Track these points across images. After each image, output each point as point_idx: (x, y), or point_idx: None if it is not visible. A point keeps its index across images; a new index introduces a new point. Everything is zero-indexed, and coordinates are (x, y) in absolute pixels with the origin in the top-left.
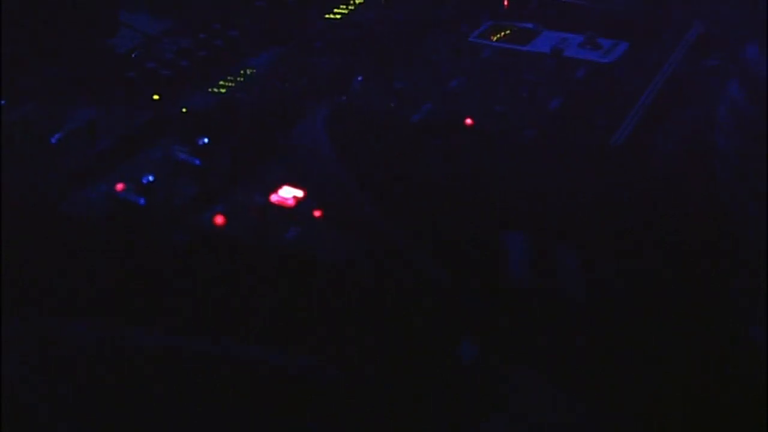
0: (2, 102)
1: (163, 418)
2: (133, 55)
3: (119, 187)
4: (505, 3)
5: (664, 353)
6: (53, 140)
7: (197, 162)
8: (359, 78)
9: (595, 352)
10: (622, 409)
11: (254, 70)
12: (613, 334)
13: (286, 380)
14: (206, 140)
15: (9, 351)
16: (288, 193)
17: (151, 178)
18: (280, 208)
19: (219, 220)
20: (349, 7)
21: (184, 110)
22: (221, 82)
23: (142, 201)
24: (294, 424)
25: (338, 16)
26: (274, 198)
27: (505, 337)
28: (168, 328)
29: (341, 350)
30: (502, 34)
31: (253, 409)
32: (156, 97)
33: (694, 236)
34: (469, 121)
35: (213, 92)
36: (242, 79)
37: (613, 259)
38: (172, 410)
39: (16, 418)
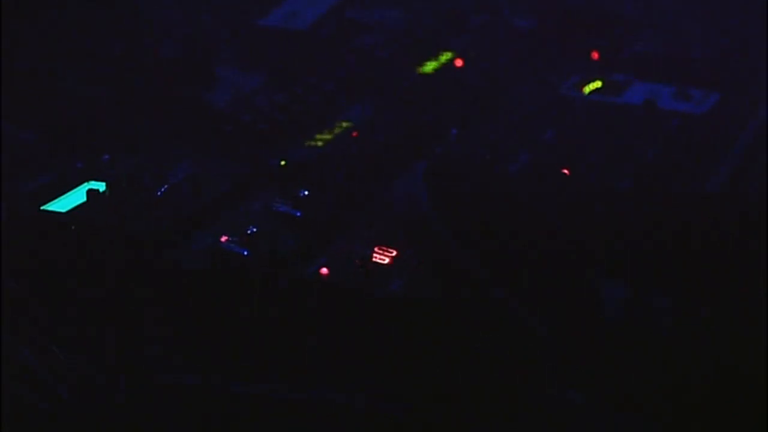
0: (106, 157)
1: None
2: (159, 192)
3: (224, 239)
4: (595, 55)
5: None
6: (159, 193)
7: (298, 214)
8: (454, 131)
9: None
10: None
11: (351, 124)
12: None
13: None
14: (306, 192)
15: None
16: (382, 254)
17: (254, 230)
18: (384, 262)
19: (324, 271)
20: (440, 61)
21: (283, 163)
22: (318, 136)
23: (245, 252)
24: None
25: (429, 70)
26: (377, 252)
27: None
28: (271, 376)
29: (440, 397)
30: (593, 86)
31: None
32: (283, 163)
33: None
34: (566, 171)
35: (310, 145)
36: (339, 132)
37: (710, 306)
38: None
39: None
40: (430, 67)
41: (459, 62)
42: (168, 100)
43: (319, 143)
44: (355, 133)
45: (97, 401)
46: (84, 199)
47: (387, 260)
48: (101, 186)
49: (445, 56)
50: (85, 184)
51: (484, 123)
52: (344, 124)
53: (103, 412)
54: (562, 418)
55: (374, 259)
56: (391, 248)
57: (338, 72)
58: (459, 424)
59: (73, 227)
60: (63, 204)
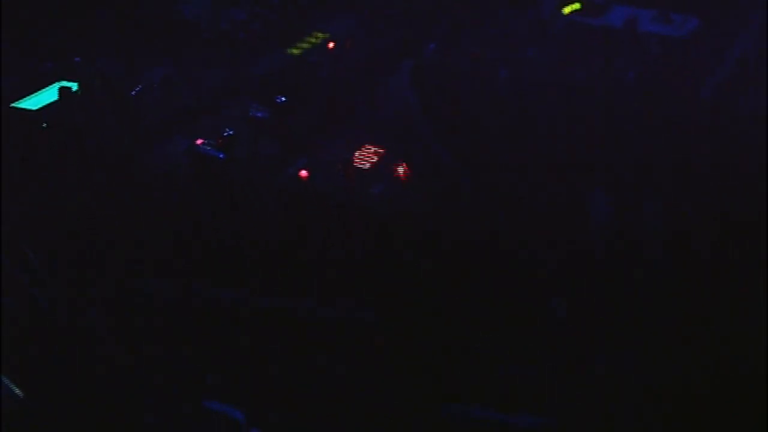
0: (77, 59)
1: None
2: (133, 92)
3: (199, 141)
4: None
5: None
6: (132, 93)
7: (274, 120)
8: (432, 46)
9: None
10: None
11: (328, 35)
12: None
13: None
14: (283, 99)
15: (87, 301)
16: (371, 152)
17: (230, 133)
18: (363, 167)
19: (303, 174)
20: None
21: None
22: (296, 44)
23: (221, 155)
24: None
25: None
26: (357, 156)
27: (590, 293)
28: (247, 283)
29: (416, 301)
30: (572, 7)
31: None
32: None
33: None
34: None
35: (288, 54)
36: (316, 41)
37: (696, 212)
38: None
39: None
40: None
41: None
42: (142, 10)
43: (296, 51)
44: (331, 44)
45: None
46: (55, 97)
47: (368, 165)
48: (73, 86)
49: None
50: (56, 83)
51: (463, 40)
52: (320, 35)
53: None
54: (545, 329)
55: (356, 163)
56: (377, 148)
57: None
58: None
59: (44, 124)
60: (34, 102)
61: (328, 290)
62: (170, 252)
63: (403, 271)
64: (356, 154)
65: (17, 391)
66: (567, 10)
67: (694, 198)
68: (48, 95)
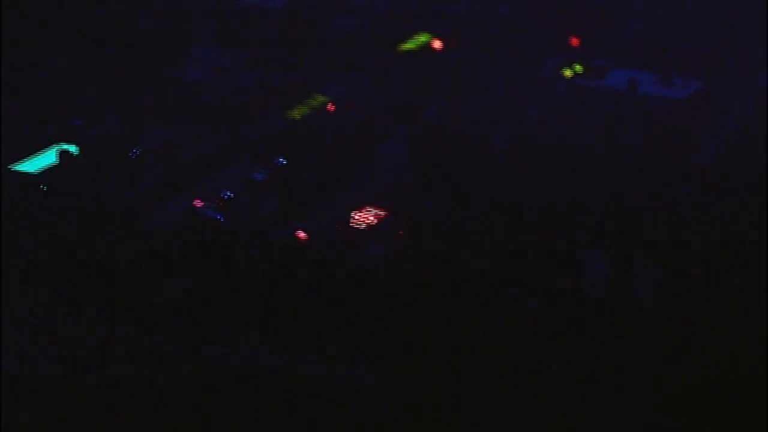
0: (77, 122)
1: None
2: (132, 155)
3: (198, 203)
4: (575, 42)
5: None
6: (131, 155)
7: (274, 182)
8: (434, 108)
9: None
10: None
11: (326, 98)
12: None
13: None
14: (283, 161)
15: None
16: (371, 214)
17: (230, 195)
18: (363, 227)
19: (301, 235)
20: (420, 40)
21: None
22: (297, 108)
23: (220, 217)
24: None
25: (413, 45)
26: (356, 217)
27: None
28: (244, 341)
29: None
30: (575, 70)
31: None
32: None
33: None
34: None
35: (289, 118)
36: (316, 105)
37: (695, 274)
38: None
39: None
40: (408, 46)
41: (437, 44)
42: (144, 74)
43: (297, 115)
44: (330, 107)
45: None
46: (55, 160)
47: (365, 225)
48: (72, 148)
49: (424, 37)
50: (56, 146)
51: (465, 103)
52: (320, 98)
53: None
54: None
55: (353, 224)
56: (376, 210)
57: (317, 49)
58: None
59: (42, 187)
60: (33, 164)
61: (325, 348)
62: (169, 309)
63: (400, 328)
64: (355, 215)
65: None
66: (568, 72)
67: (690, 264)
68: (47, 158)
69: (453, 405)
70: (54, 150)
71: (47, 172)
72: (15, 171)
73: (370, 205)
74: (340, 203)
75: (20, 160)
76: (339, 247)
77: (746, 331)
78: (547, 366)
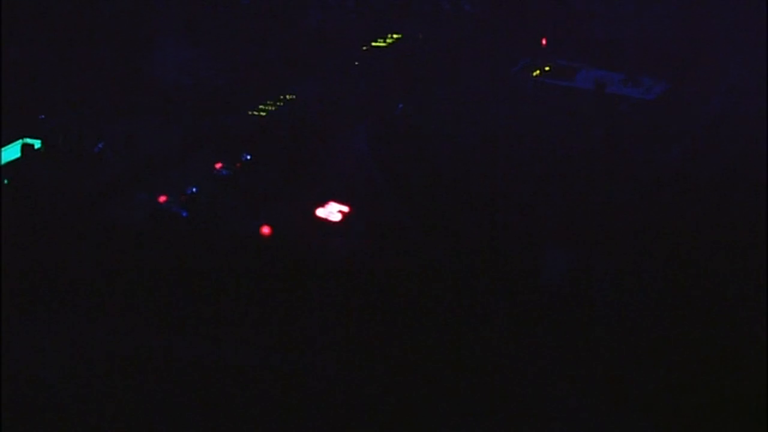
0: (42, 116)
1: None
2: (96, 149)
3: (162, 198)
4: (543, 42)
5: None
6: (95, 149)
7: (184, 214)
8: (400, 105)
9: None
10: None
11: (294, 96)
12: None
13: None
14: (248, 157)
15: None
16: (335, 209)
17: (194, 191)
18: (326, 223)
19: (265, 230)
20: (387, 41)
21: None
22: (261, 106)
23: (184, 213)
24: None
25: (382, 44)
26: (320, 213)
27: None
28: (204, 334)
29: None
30: (543, 70)
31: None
32: None
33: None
34: None
35: (254, 114)
36: (282, 103)
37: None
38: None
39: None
40: (377, 45)
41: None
42: (109, 67)
43: (263, 113)
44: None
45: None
46: (18, 154)
47: (337, 218)
48: (36, 142)
49: (393, 37)
50: (20, 140)
51: (431, 99)
52: (288, 97)
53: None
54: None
55: (319, 216)
56: (339, 205)
57: (285, 46)
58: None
59: (6, 181)
60: None
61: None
62: (133, 306)
63: (364, 326)
64: (320, 210)
65: None
66: (537, 72)
67: (651, 259)
68: (11, 152)
69: (414, 406)
70: (17, 144)
71: (10, 166)
72: None
73: (334, 201)
74: (305, 198)
75: None
76: (303, 242)
77: (711, 332)
78: (514, 365)
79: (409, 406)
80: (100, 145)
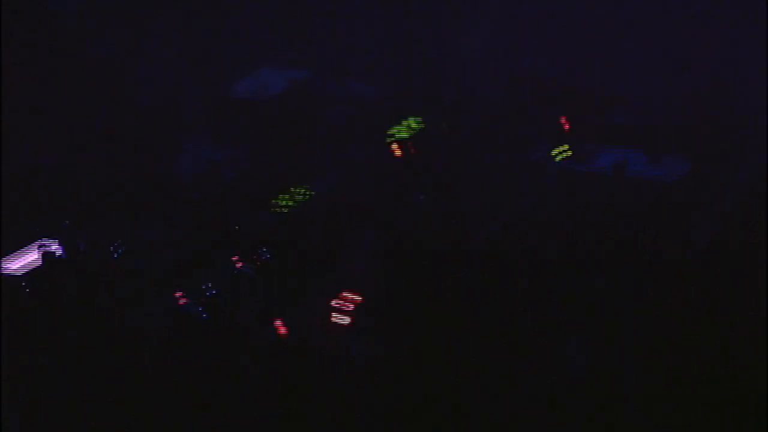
0: (66, 222)
1: None
2: (116, 255)
3: (182, 301)
4: (566, 126)
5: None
6: (115, 255)
7: (258, 277)
8: (421, 196)
9: None
10: None
11: (313, 192)
12: None
13: None
14: (267, 254)
15: None
16: (348, 299)
17: (213, 293)
18: (342, 321)
19: (282, 329)
20: (411, 131)
21: (237, 227)
22: (282, 201)
23: (204, 315)
24: None
25: (405, 133)
26: (335, 305)
27: None
28: None
29: None
30: (563, 153)
31: None
32: (237, 227)
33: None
34: None
35: (273, 211)
36: (302, 198)
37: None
38: None
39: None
40: (402, 134)
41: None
42: (134, 169)
43: (283, 209)
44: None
45: None
46: (40, 261)
47: (347, 319)
48: (59, 250)
49: (415, 122)
50: (42, 246)
51: (453, 190)
52: (304, 191)
53: None
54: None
55: (334, 319)
56: (353, 295)
57: (306, 141)
58: None
59: (26, 287)
60: (19, 262)
61: None
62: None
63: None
64: (334, 303)
65: None
66: (558, 155)
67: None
68: (32, 257)
69: None
70: (38, 249)
71: (31, 273)
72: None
73: (346, 291)
74: (320, 295)
75: (5, 256)
76: (321, 343)
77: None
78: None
79: None
80: (120, 250)
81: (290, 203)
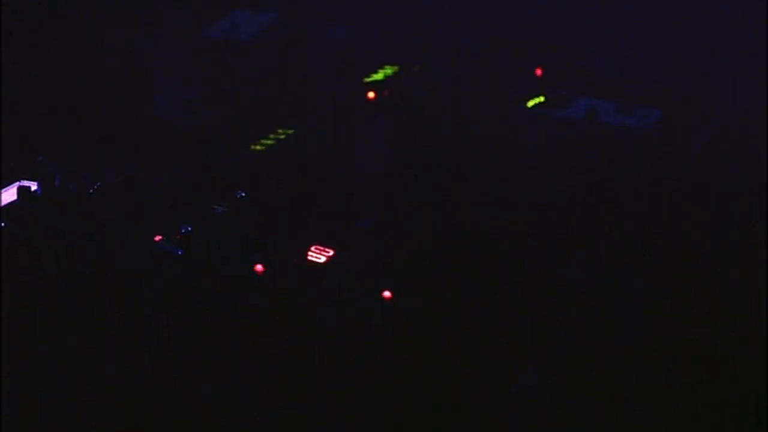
0: (40, 158)
1: None
2: (92, 190)
3: (158, 238)
4: (539, 72)
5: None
6: (91, 191)
7: (180, 252)
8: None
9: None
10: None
11: (293, 131)
12: None
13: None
14: (243, 194)
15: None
16: (319, 252)
17: (188, 229)
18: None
19: (258, 268)
20: (386, 72)
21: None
22: (262, 141)
23: (180, 251)
24: None
25: (380, 77)
26: (309, 256)
27: None
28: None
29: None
30: (536, 100)
31: None
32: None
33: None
34: None
35: (252, 150)
36: (282, 138)
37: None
38: None
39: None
40: (374, 78)
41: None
42: (108, 107)
43: (259, 147)
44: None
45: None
46: (15, 197)
47: (323, 259)
48: (33, 185)
49: (390, 69)
50: (16, 182)
51: (424, 137)
52: (287, 131)
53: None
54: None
55: (310, 258)
56: (323, 248)
57: (281, 83)
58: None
59: (2, 224)
60: None
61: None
62: (131, 349)
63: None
64: (307, 252)
65: None
66: (531, 103)
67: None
68: (8, 194)
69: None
70: (14, 186)
71: (6, 209)
72: None
73: (318, 244)
74: (299, 237)
75: None
76: (296, 280)
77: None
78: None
79: None
80: (97, 185)
81: (269, 143)
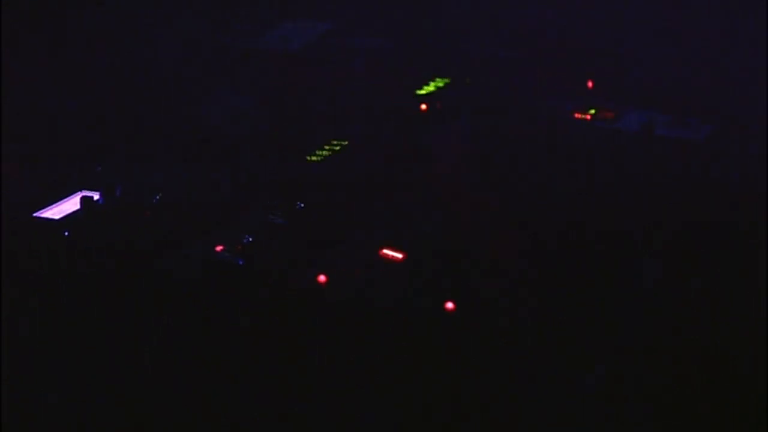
0: (98, 168)
1: None
2: (155, 200)
3: (219, 248)
4: (590, 84)
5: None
6: (154, 201)
7: (292, 226)
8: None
9: None
10: None
11: (347, 142)
12: None
13: None
14: (302, 205)
15: None
16: (392, 253)
17: (249, 239)
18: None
19: (321, 279)
20: (437, 84)
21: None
22: (317, 152)
23: (240, 261)
24: None
25: (432, 89)
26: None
27: None
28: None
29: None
30: (588, 113)
31: None
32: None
33: None
34: None
35: (309, 161)
36: (338, 148)
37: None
38: None
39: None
40: (425, 90)
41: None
42: (164, 116)
43: (315, 158)
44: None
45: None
46: (77, 206)
47: (400, 256)
48: (95, 195)
49: (441, 81)
50: (78, 192)
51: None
52: (341, 142)
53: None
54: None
55: (384, 256)
56: (396, 252)
57: (332, 93)
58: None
59: (66, 233)
60: (56, 211)
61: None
62: (190, 359)
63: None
64: (374, 256)
65: None
66: (582, 115)
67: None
68: (70, 204)
69: None
70: (76, 196)
71: (70, 219)
72: (38, 218)
73: (388, 248)
74: (360, 246)
75: (43, 207)
76: (359, 290)
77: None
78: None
79: None
80: (158, 196)
81: (326, 154)
